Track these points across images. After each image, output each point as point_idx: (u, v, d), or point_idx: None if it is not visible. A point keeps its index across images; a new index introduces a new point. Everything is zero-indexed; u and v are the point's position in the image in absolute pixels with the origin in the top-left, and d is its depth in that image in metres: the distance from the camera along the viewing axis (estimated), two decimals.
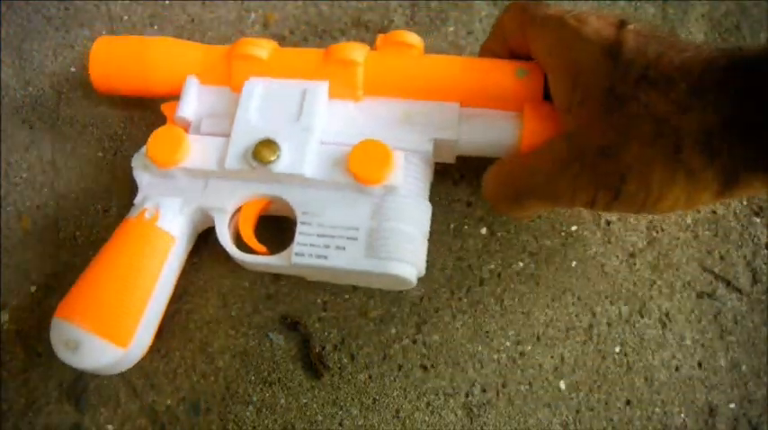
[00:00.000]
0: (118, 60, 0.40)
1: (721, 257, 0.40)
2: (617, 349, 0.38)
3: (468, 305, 0.39)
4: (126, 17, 0.48)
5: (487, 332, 0.39)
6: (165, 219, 0.36)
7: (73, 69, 0.47)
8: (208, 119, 0.38)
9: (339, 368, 0.38)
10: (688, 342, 0.38)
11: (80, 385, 0.38)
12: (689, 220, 0.41)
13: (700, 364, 0.38)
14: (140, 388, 0.38)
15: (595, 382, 0.38)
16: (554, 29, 0.32)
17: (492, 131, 0.36)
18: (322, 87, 0.37)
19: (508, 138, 0.35)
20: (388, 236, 0.34)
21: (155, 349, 0.38)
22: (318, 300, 0.39)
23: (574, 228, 0.41)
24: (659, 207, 0.29)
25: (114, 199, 0.43)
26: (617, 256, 0.40)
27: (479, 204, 0.41)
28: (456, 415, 0.37)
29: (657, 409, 0.37)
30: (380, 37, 0.39)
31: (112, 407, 0.38)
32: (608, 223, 0.41)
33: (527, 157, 0.33)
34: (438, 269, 0.40)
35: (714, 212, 0.41)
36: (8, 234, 0.42)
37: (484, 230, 0.41)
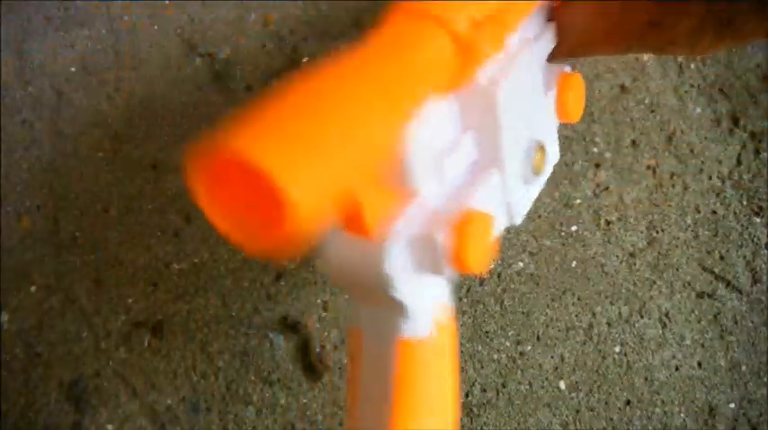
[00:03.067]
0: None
1: (721, 257, 0.40)
2: (617, 349, 0.38)
3: (468, 305, 0.39)
4: (126, 17, 0.48)
5: (487, 332, 0.39)
6: None
7: (73, 69, 0.47)
8: (451, 156, 0.24)
9: (339, 368, 0.38)
10: (688, 342, 0.38)
11: (80, 385, 0.38)
12: (689, 220, 0.41)
13: (700, 364, 0.38)
14: (140, 388, 0.38)
15: (595, 382, 0.38)
16: None
17: None
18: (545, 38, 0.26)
19: None
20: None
21: (155, 349, 0.38)
22: (318, 300, 0.39)
23: (574, 228, 0.41)
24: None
25: (114, 199, 0.43)
26: (617, 256, 0.40)
27: None
28: None
29: (657, 409, 0.37)
30: None
31: (112, 407, 0.38)
32: (608, 223, 0.41)
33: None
34: None
35: (714, 212, 0.41)
36: (8, 234, 0.42)
37: None
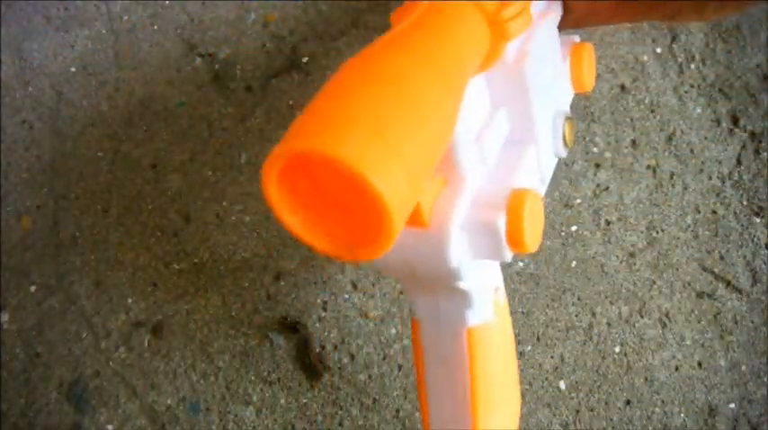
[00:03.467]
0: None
1: (721, 257, 0.40)
2: (617, 349, 0.38)
3: None
4: (126, 17, 0.48)
5: None
6: None
7: (73, 69, 0.47)
8: (488, 135, 0.24)
9: (339, 368, 0.38)
10: (688, 342, 0.38)
11: (80, 385, 0.38)
12: (689, 220, 0.41)
13: (700, 364, 0.38)
14: (140, 388, 0.38)
15: (595, 382, 0.38)
16: None
17: None
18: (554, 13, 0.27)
19: None
20: None
21: (155, 349, 0.38)
22: (318, 300, 0.39)
23: (574, 228, 0.40)
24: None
25: (114, 199, 0.43)
26: (617, 256, 0.40)
27: None
28: None
29: (657, 409, 0.37)
30: None
31: (112, 407, 0.38)
32: (608, 223, 0.41)
33: None
34: None
35: (714, 212, 0.41)
36: (8, 234, 0.42)
37: None
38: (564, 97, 0.28)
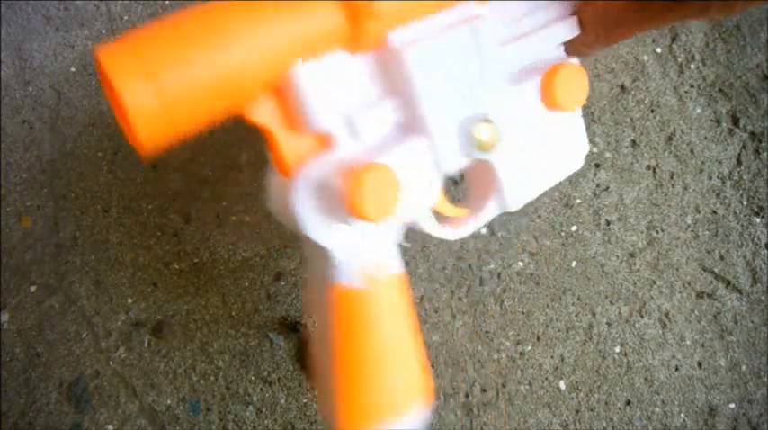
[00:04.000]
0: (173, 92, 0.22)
1: (721, 257, 0.40)
2: (617, 349, 0.38)
3: (468, 305, 0.39)
4: (126, 17, 0.48)
5: (487, 332, 0.38)
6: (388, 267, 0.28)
7: (73, 69, 0.47)
8: (365, 113, 0.25)
9: None
10: (688, 342, 0.38)
11: (80, 385, 0.38)
12: (689, 220, 0.41)
13: (700, 364, 0.38)
14: (140, 388, 0.38)
15: (595, 382, 0.38)
16: None
17: None
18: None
19: None
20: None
21: (155, 349, 0.38)
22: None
23: (574, 228, 0.40)
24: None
25: (114, 199, 0.43)
26: (617, 256, 0.40)
27: None
28: (456, 415, 0.37)
29: (657, 409, 0.37)
30: None
31: (112, 407, 0.38)
32: (608, 223, 0.41)
33: None
34: (438, 269, 0.40)
35: (714, 212, 0.41)
36: (8, 234, 0.42)
37: (484, 230, 0.41)
38: (505, 106, 0.28)
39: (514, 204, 0.29)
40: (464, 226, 0.29)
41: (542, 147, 0.29)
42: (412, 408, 0.28)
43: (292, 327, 0.39)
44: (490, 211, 0.29)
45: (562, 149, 0.30)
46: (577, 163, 0.30)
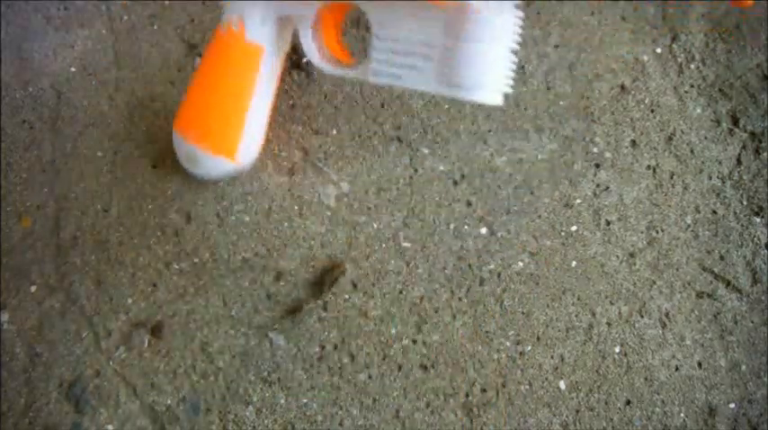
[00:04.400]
0: None
1: (721, 257, 0.40)
2: (617, 349, 0.38)
3: (468, 305, 0.39)
4: (126, 17, 0.48)
5: (487, 332, 0.39)
6: (251, 31, 0.37)
7: (73, 69, 0.47)
8: None
9: (339, 368, 0.38)
10: (688, 342, 0.38)
11: (80, 385, 0.38)
12: (689, 220, 0.41)
13: (700, 364, 0.38)
14: (140, 388, 0.38)
15: (595, 382, 0.38)
16: None
17: None
18: None
19: None
20: (460, 58, 0.30)
21: (155, 349, 0.38)
22: (318, 300, 0.39)
23: (574, 228, 0.41)
24: None
25: (114, 199, 0.43)
26: (617, 256, 0.40)
27: (479, 204, 0.41)
28: (456, 415, 0.37)
29: (657, 409, 0.37)
30: None
31: (112, 407, 0.38)
32: (608, 223, 0.41)
33: None
34: (438, 269, 0.40)
35: (714, 212, 0.41)
36: (8, 234, 0.42)
37: (484, 230, 0.41)
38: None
39: (374, 77, 0.33)
40: (339, 68, 0.35)
41: (422, 46, 0.32)
42: (219, 154, 0.37)
43: (292, 327, 0.39)
44: (360, 73, 0.34)
45: (455, 60, 0.31)
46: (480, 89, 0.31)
